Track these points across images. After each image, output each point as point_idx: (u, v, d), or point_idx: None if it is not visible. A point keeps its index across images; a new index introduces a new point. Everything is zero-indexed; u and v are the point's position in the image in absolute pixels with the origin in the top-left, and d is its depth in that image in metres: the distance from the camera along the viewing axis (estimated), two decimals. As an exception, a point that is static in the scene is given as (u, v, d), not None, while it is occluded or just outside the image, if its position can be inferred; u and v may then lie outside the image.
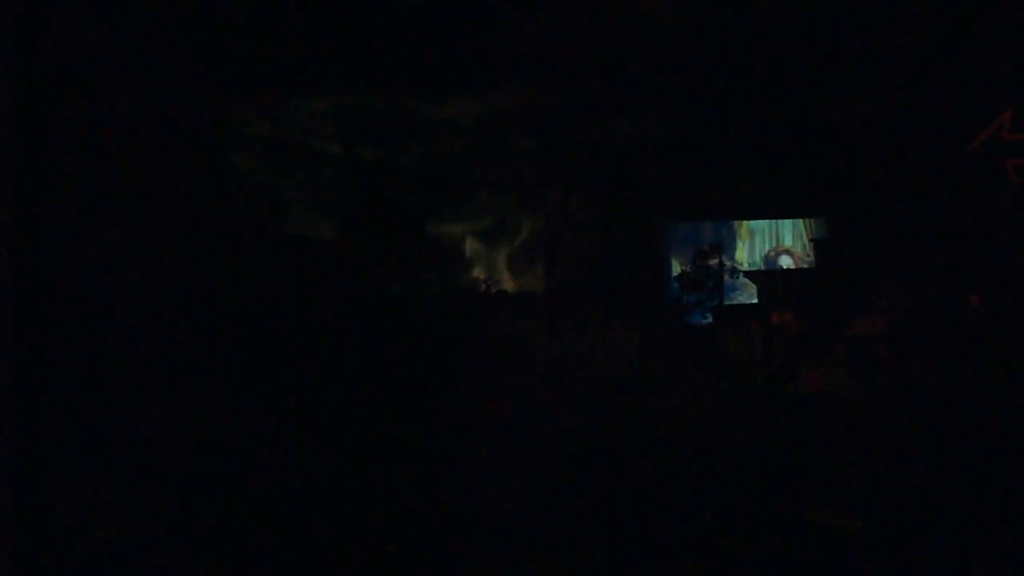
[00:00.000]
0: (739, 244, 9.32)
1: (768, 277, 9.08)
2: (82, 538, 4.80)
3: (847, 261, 8.54)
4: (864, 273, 8.23)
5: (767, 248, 9.37)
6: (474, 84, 8.19)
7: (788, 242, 9.36)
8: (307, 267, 7.67)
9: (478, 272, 8.70)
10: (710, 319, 8.91)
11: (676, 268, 9.15)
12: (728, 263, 9.04)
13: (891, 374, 7.52)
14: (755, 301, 8.95)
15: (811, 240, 9.22)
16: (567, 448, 6.69)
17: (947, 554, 4.99)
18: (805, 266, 9.18)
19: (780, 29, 8.13)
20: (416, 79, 8.08)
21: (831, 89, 8.28)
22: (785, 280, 9.07)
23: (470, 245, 8.74)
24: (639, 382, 8.08)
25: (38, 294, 4.61)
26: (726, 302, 8.87)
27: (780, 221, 9.34)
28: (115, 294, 5.86)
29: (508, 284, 8.74)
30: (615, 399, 7.71)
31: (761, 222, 9.37)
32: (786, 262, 9.26)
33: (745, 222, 9.33)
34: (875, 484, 6.01)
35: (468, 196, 8.59)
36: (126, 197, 6.11)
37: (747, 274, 9.11)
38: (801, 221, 9.25)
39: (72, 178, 5.54)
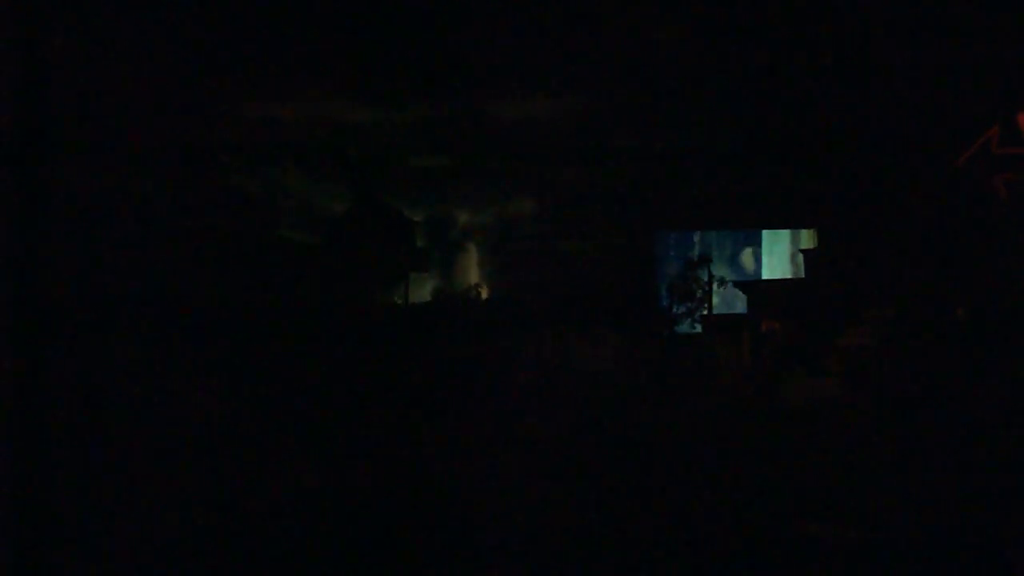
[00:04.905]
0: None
1: (757, 287, 9.10)
2: (82, 539, 4.75)
3: (836, 272, 8.57)
4: (853, 284, 8.26)
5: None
6: (466, 91, 8.18)
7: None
8: (299, 271, 7.64)
9: (467, 279, 8.68)
10: (699, 329, 8.90)
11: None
12: (716, 274, 9.05)
13: (879, 384, 7.55)
14: (744, 311, 8.96)
15: (800, 251, 9.25)
16: (554, 456, 6.67)
17: (938, 564, 5.00)
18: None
19: (770, 40, 8.17)
20: (408, 84, 8.07)
21: (820, 101, 8.32)
22: (774, 291, 9.09)
23: (459, 252, 8.71)
24: (627, 391, 8.06)
25: (36, 296, 4.58)
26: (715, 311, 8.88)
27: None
28: (113, 295, 5.83)
29: (496, 291, 8.71)
30: (602, 408, 7.69)
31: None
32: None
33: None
34: (864, 494, 6.01)
35: (458, 203, 8.57)
36: (125, 198, 6.08)
37: (736, 284, 9.13)
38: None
39: (72, 178, 5.51)
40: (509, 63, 7.93)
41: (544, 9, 7.81)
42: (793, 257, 9.32)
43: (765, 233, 9.45)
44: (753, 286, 9.15)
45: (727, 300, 9.17)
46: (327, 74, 7.84)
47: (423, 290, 8.35)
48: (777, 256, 9.43)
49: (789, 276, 9.33)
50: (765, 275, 9.41)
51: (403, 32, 7.78)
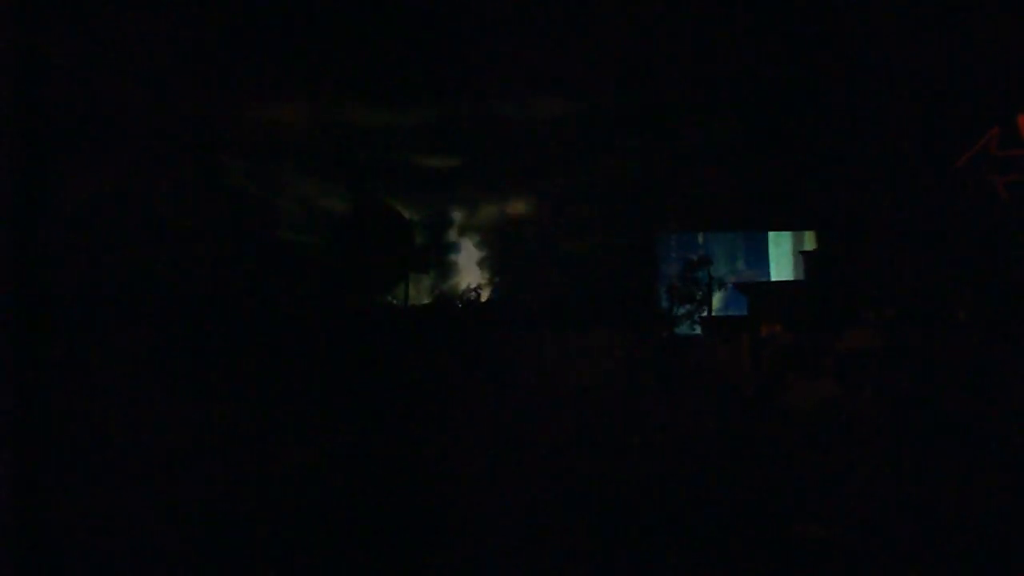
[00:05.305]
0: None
1: (758, 289, 9.10)
2: (82, 539, 4.76)
3: (835, 274, 8.57)
4: (853, 286, 8.26)
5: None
6: (467, 91, 8.19)
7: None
8: (299, 272, 7.64)
9: (467, 279, 8.68)
10: (698, 331, 8.90)
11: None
12: (716, 275, 9.05)
13: (879, 385, 7.54)
14: (744, 313, 8.96)
15: (800, 253, 9.25)
16: (553, 457, 6.67)
17: (938, 564, 4.99)
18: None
19: (770, 40, 8.18)
20: (410, 85, 8.08)
21: (821, 103, 8.32)
22: (774, 292, 9.09)
23: (459, 252, 8.72)
24: (627, 393, 8.06)
25: (36, 297, 4.59)
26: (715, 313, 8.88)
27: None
28: (112, 297, 5.84)
29: (496, 291, 8.71)
30: (602, 409, 7.69)
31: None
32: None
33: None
34: (864, 496, 6.01)
35: (458, 203, 8.57)
36: (125, 198, 6.10)
37: (736, 286, 9.12)
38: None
39: (72, 178, 5.53)
40: (510, 63, 7.94)
41: (545, 9, 7.82)
42: (796, 261, 9.32)
43: (769, 235, 9.46)
44: (753, 288, 9.15)
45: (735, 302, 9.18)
46: (328, 75, 7.85)
47: (423, 290, 8.35)
48: (779, 258, 9.44)
49: (790, 278, 9.33)
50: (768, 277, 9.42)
51: (404, 33, 7.79)
